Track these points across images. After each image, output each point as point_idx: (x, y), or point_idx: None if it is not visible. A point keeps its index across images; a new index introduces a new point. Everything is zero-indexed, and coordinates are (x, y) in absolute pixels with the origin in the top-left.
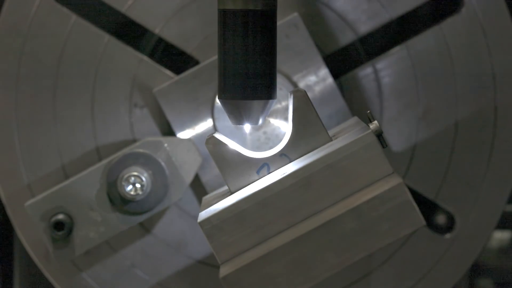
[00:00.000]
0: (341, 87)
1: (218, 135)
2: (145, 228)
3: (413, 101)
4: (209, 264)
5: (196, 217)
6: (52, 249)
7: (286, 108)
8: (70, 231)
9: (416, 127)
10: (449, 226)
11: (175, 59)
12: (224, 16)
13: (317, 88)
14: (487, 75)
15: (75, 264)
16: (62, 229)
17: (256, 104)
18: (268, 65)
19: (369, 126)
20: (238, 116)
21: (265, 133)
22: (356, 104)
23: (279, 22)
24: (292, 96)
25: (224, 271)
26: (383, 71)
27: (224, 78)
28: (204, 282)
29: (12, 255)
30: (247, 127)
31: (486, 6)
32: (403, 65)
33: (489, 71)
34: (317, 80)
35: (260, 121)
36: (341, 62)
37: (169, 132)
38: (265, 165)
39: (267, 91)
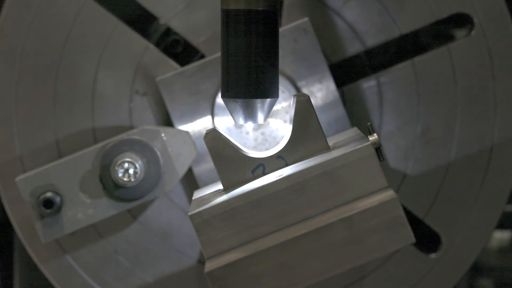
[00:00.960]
0: (343, 96)
1: (217, 130)
2: (133, 215)
3: (413, 118)
4: (193, 257)
5: (184, 210)
6: (37, 226)
7: (286, 110)
8: (58, 210)
9: (413, 144)
10: (435, 246)
11: (181, 50)
12: (227, 16)
13: (319, 95)
14: (489, 101)
15: (59, 244)
16: (50, 207)
17: (259, 103)
18: (271, 64)
19: (368, 138)
20: (240, 115)
21: (263, 133)
22: (356, 115)
23: (289, 25)
24: (295, 100)
25: (209, 266)
26: (386, 86)
27: (226, 77)
28: (186, 275)
29: (12, 255)
30: (249, 126)
31: (495, 32)
32: (407, 81)
33: (492, 97)
34: (321, 87)
35: (263, 120)
36: (346, 72)
37: (166, 123)
38: (261, 166)
39: (269, 90)
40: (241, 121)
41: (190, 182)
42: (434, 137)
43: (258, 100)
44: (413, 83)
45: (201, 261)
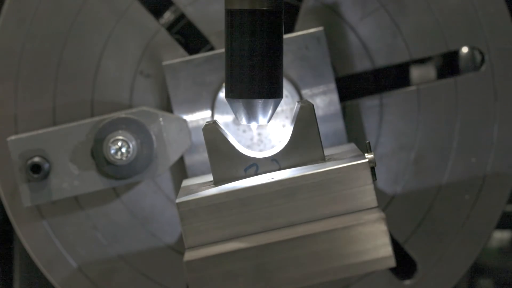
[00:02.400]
0: (344, 111)
1: (217, 123)
2: (117, 193)
3: (409, 144)
4: (170, 245)
5: (169, 197)
6: (21, 189)
7: (286, 115)
8: (45, 176)
9: (405, 170)
10: (411, 272)
11: (191, 39)
12: (231, 15)
13: (321, 105)
14: (487, 142)
15: (39, 210)
16: (38, 172)
17: (263, 103)
18: (275, 65)
19: (365, 155)
20: (244, 115)
21: (259, 134)
22: (354, 131)
23: (303, 31)
24: (298, 106)
25: (189, 256)
26: (388, 107)
27: (230, 77)
28: (160, 262)
29: (12, 255)
30: (253, 126)
31: (504, 73)
32: (409, 106)
33: (490, 139)
34: (324, 97)
35: (267, 121)
36: (351, 87)
37: (165, 108)
38: (254, 165)
39: (273, 90)
40: (245, 121)
41: (180, 170)
42: (426, 166)
43: (262, 101)
44: (415, 109)
45: (176, 250)
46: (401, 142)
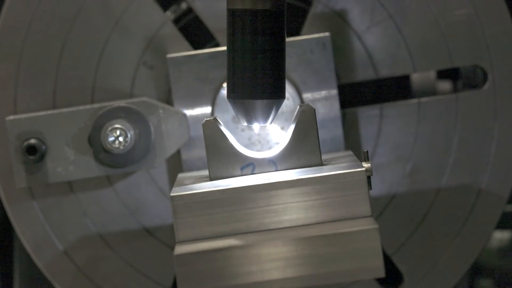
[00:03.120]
0: (343, 118)
1: (217, 120)
2: (110, 182)
3: (406, 156)
4: (158, 238)
5: (162, 189)
6: (16, 169)
7: (286, 117)
8: (40, 159)
9: (399, 181)
10: (397, 284)
11: (197, 33)
12: (233, 15)
13: (322, 111)
14: (483, 160)
15: (31, 191)
16: (33, 154)
17: (265, 103)
18: (277, 65)
19: (362, 164)
20: (247, 115)
21: (258, 134)
22: (351, 139)
23: (309, 35)
24: (300, 110)
25: (179, 249)
26: (388, 118)
27: (233, 78)
28: (147, 254)
29: (12, 255)
30: (256, 126)
31: (506, 93)
32: (409, 119)
33: (486, 157)
34: (325, 103)
35: (269, 122)
36: (352, 95)
37: (165, 101)
38: (251, 165)
39: (276, 91)
40: (247, 122)
41: (175, 164)
42: (421, 180)
43: (265, 101)
44: (414, 122)
45: (165, 243)
46: (398, 154)
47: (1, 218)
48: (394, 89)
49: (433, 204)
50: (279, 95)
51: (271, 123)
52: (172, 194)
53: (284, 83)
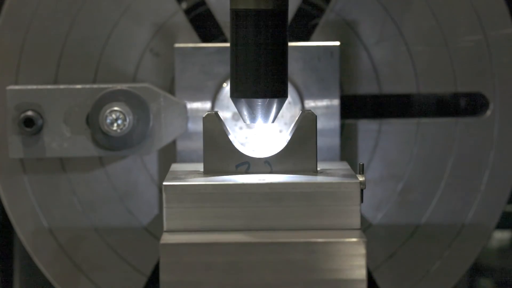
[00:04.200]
0: (342, 128)
1: (218, 115)
2: (102, 163)
3: (399, 174)
4: (144, 224)
5: (153, 177)
6: (10, 139)
7: (285, 121)
8: (36, 132)
9: (389, 199)
10: None
11: (207, 27)
12: (236, 15)
13: (321, 119)
14: (474, 188)
15: (22, 163)
16: (30, 126)
17: (268, 102)
18: (280, 65)
19: (357, 176)
20: (249, 114)
21: (255, 134)
22: (347, 151)
23: (319, 42)
24: (302, 115)
25: (166, 239)
26: (385, 134)
27: (236, 77)
28: (130, 240)
29: (12, 255)
30: (258, 125)
31: (506, 124)
32: (406, 138)
33: (478, 185)
34: (325, 111)
35: (272, 120)
36: (353, 107)
37: (166, 90)
38: (246, 164)
39: (278, 90)
40: (249, 121)
41: (169, 154)
42: (411, 199)
43: (267, 100)
44: (411, 141)
45: (150, 231)
46: (391, 171)
47: (1, 217)
48: (395, 106)
49: (419, 226)
50: (282, 94)
51: (273, 122)
52: (165, 183)
53: (287, 82)
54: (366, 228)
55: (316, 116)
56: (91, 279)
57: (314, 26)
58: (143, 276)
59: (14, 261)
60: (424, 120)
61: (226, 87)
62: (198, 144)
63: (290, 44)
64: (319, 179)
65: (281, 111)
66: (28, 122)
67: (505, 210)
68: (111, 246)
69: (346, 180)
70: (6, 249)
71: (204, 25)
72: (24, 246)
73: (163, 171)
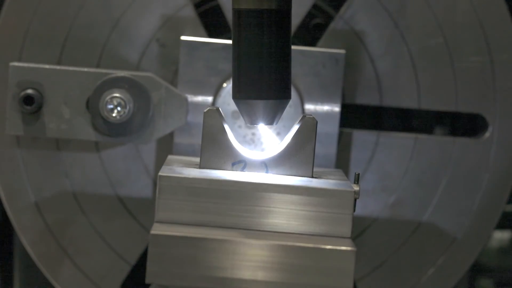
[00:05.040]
0: (339, 137)
1: (219, 111)
2: (97, 148)
3: (392, 187)
4: (133, 214)
5: (147, 168)
6: (8, 115)
7: (284, 122)
8: (35, 111)
9: (380, 211)
10: None
11: (215, 23)
12: (239, 15)
13: (320, 125)
14: (466, 208)
15: (18, 140)
16: (30, 104)
17: (271, 104)
18: (283, 65)
19: (352, 185)
20: (252, 116)
21: (253, 134)
22: (342, 159)
23: (325, 49)
24: (303, 120)
25: (156, 229)
26: (382, 146)
27: (238, 78)
28: (117, 227)
29: (12, 255)
30: (261, 127)
31: (503, 147)
32: (403, 152)
33: (470, 206)
34: (325, 118)
35: (275, 122)
36: (353, 116)
37: (169, 82)
38: (243, 163)
39: (281, 91)
40: (252, 122)
41: (165, 145)
42: (402, 213)
43: (270, 102)
44: (407, 156)
45: (138, 221)
46: (385, 184)
47: (1, 217)
48: (395, 119)
49: (407, 242)
50: (285, 95)
51: (276, 123)
52: (160, 174)
53: (290, 83)
54: (353, 238)
55: (316, 121)
56: (75, 263)
57: (315, 26)
58: (127, 265)
59: (14, 260)
60: (422, 136)
61: (226, 87)
62: (195, 138)
63: (296, 48)
64: (314, 184)
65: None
66: (28, 100)
67: (505, 210)
68: (99, 231)
69: (340, 188)
70: (6, 249)
71: (212, 20)
72: (11, 223)
73: (158, 162)
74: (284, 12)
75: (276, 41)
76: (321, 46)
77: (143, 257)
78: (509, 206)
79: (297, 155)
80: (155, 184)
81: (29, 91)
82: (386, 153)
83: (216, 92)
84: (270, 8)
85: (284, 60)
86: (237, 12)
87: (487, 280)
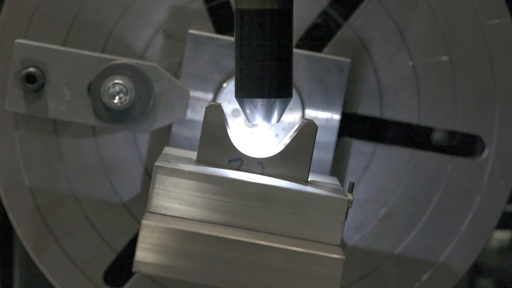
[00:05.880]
0: (337, 145)
1: (221, 107)
2: (94, 133)
3: (384, 200)
4: (123, 200)
5: (142, 157)
6: (9, 91)
7: (283, 124)
8: (36, 90)
9: (370, 222)
10: None
11: (223, 19)
12: (241, 15)
13: (319, 131)
14: (454, 228)
15: (16, 119)
16: (31, 83)
17: (273, 102)
18: (284, 64)
19: (346, 194)
20: (254, 114)
21: (251, 133)
22: (337, 167)
23: (330, 56)
24: (303, 123)
25: (148, 219)
26: (378, 158)
27: (240, 76)
28: (107, 214)
29: (12, 255)
30: (263, 125)
31: (497, 170)
32: (398, 165)
33: (458, 227)
34: (324, 125)
35: (276, 120)
36: (352, 126)
37: (172, 74)
38: (239, 161)
39: (282, 90)
40: (254, 120)
41: (161, 136)
42: (392, 226)
43: (272, 100)
44: (402, 170)
45: (128, 209)
46: (377, 195)
47: (1, 217)
48: (393, 133)
49: (393, 255)
50: (287, 94)
51: (277, 122)
52: (157, 164)
53: (292, 82)
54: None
55: (317, 127)
56: (61, 245)
57: (315, 26)
58: (113, 252)
59: (14, 260)
60: (418, 152)
61: (227, 86)
62: (192, 132)
63: (302, 52)
64: (309, 189)
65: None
66: (30, 78)
67: (505, 210)
68: (88, 216)
69: (334, 195)
70: (6, 249)
71: (221, 16)
72: (1, 200)
73: (153, 152)
74: (286, 11)
75: (277, 41)
76: (327, 53)
77: (130, 246)
78: (509, 206)
79: (294, 158)
80: (147, 174)
81: (32, 69)
82: (381, 165)
83: (218, 88)
84: (272, 8)
85: (285, 59)
86: (239, 12)
87: (487, 280)
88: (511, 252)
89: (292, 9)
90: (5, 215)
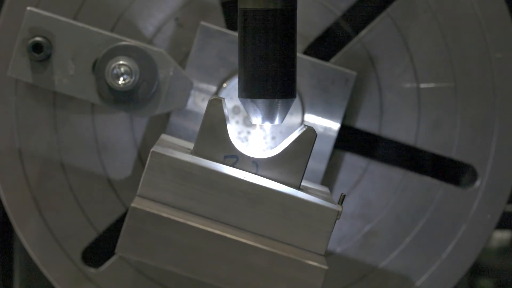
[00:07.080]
0: (331, 156)
1: (223, 102)
2: (93, 111)
3: (370, 217)
4: (111, 183)
5: (136, 141)
6: (14, 57)
7: (282, 128)
8: (42, 60)
9: (354, 237)
10: None
11: (235, 15)
12: (245, 15)
13: (316, 140)
14: (437, 254)
15: (16, 86)
16: (38, 52)
17: (275, 103)
18: (288, 65)
19: (337, 205)
20: (257, 115)
21: (249, 132)
22: (329, 178)
23: (337, 67)
24: (303, 129)
25: (137, 203)
26: (370, 174)
27: (244, 77)
28: (94, 193)
29: (12, 255)
30: (266, 125)
31: (489, 201)
32: (389, 185)
33: (442, 253)
34: (322, 134)
35: (280, 121)
36: (349, 139)
37: (178, 63)
38: (235, 157)
39: (286, 90)
40: (258, 121)
41: (159, 123)
42: (375, 243)
43: (275, 100)
44: (393, 191)
45: (115, 189)
46: (364, 211)
47: (1, 217)
48: (388, 151)
49: (380, 268)
50: (290, 94)
51: (281, 122)
52: (153, 150)
53: (295, 82)
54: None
55: (316, 135)
56: (43, 217)
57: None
58: (94, 231)
59: (14, 260)
60: (411, 174)
61: (226, 87)
62: (190, 123)
63: (309, 59)
64: (300, 195)
65: None
66: (37, 47)
67: (505, 210)
68: (74, 192)
69: (325, 205)
70: (6, 248)
71: (233, 13)
72: None
73: (148, 138)
74: (290, 11)
75: (281, 41)
76: (334, 63)
77: (112, 227)
78: (509, 206)
79: (290, 163)
80: (140, 158)
81: (40, 38)
82: (372, 182)
83: (221, 83)
84: (275, 8)
85: (289, 59)
86: (243, 12)
87: (487, 280)
88: (511, 252)
89: (296, 9)
90: (5, 214)
